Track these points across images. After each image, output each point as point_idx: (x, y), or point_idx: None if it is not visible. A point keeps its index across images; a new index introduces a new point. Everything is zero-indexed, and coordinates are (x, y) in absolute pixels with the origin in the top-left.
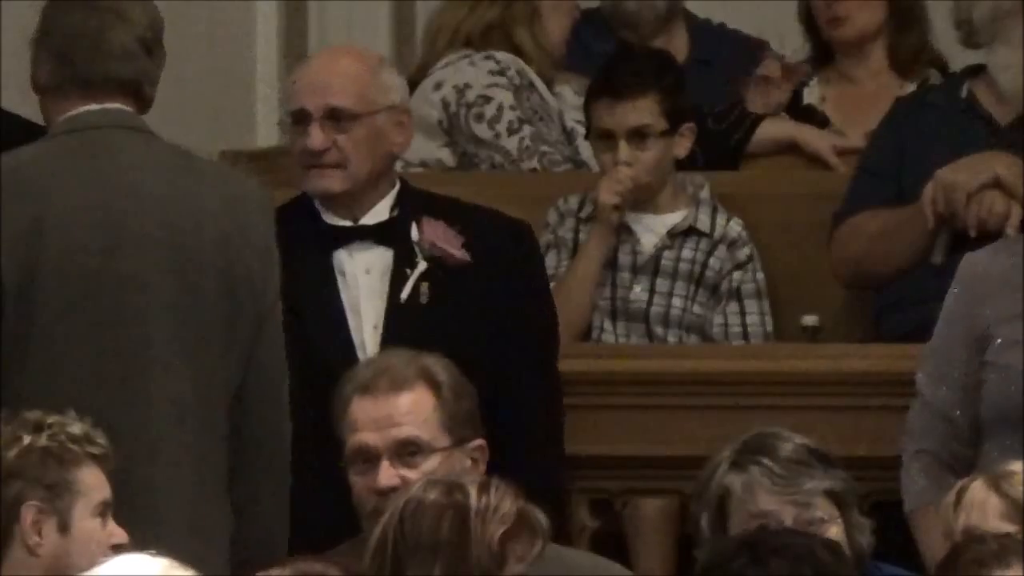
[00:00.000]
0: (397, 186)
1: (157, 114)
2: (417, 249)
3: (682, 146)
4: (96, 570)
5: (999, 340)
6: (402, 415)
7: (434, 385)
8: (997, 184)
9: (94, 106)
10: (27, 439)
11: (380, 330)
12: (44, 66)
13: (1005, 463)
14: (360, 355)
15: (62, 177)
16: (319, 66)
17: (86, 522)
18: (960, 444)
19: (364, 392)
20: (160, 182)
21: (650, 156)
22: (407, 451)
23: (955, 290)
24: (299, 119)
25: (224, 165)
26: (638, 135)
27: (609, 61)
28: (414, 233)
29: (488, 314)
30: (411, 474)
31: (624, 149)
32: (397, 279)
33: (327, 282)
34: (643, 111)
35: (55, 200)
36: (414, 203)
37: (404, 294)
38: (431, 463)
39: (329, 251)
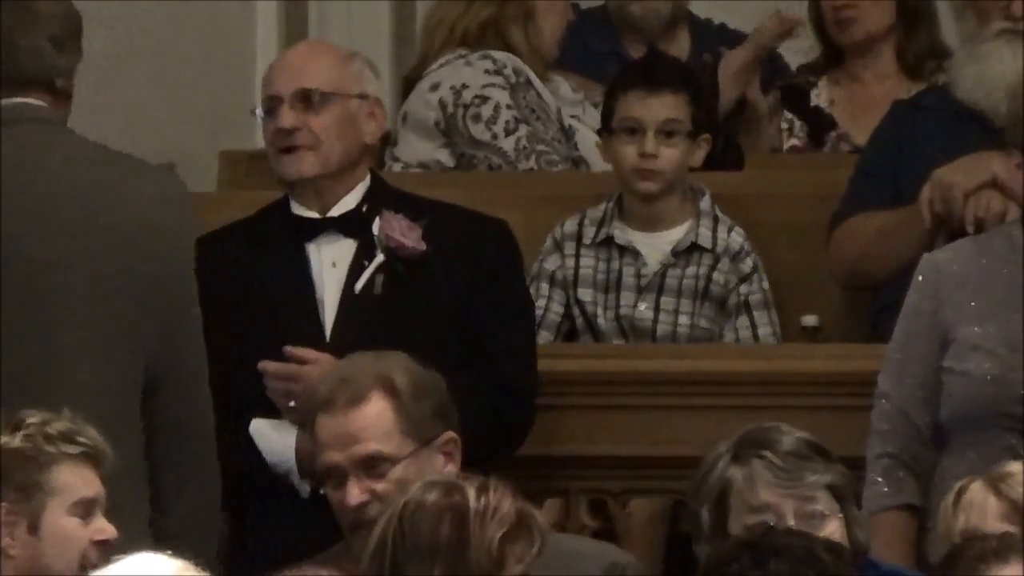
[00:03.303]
0: (367, 179)
1: (157, 114)
2: (376, 241)
3: (696, 156)
4: (109, 569)
5: (960, 344)
6: (362, 431)
7: (392, 392)
8: (994, 184)
9: (6, 101)
10: (3, 439)
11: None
12: None
13: (1003, 464)
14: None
15: None
16: (290, 55)
17: (61, 522)
18: (922, 446)
19: (325, 408)
20: (73, 174)
21: (674, 153)
22: (371, 465)
23: (917, 289)
24: (271, 106)
25: (142, 160)
26: (666, 131)
27: (643, 58)
28: (375, 226)
29: (448, 306)
30: (379, 486)
31: (652, 141)
32: (355, 271)
33: (297, 276)
34: (675, 107)
35: None
36: (383, 197)
37: (359, 285)
38: (398, 471)
39: (299, 245)
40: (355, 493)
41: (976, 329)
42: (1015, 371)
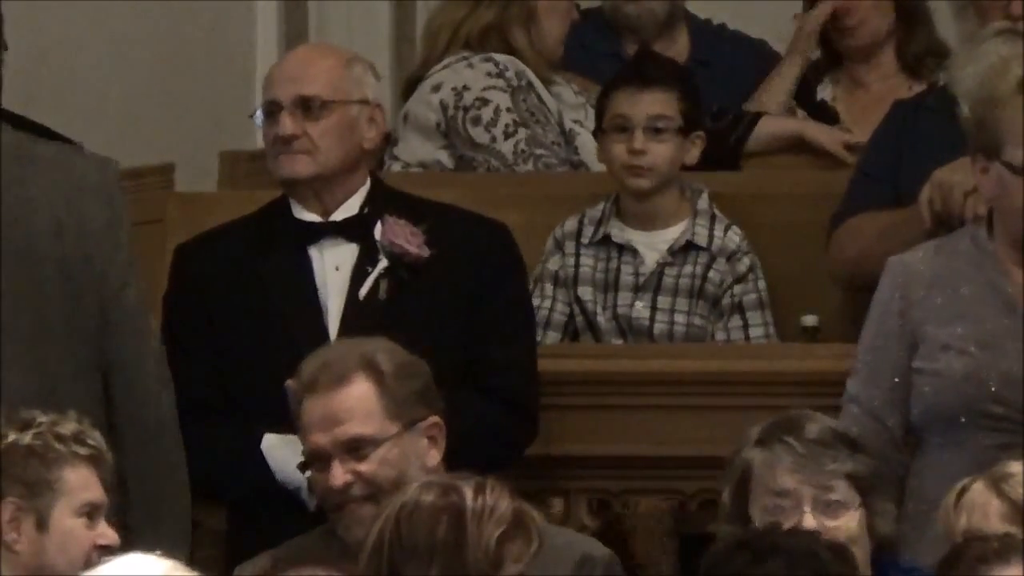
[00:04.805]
0: (368, 183)
1: (157, 114)
2: (379, 247)
3: (691, 153)
4: (100, 570)
5: (931, 343)
6: (345, 412)
7: (375, 374)
8: None
9: None
10: (12, 436)
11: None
12: None
13: (1004, 464)
14: None
15: None
16: (291, 59)
17: (67, 521)
18: (894, 449)
19: (309, 391)
20: None
21: (664, 149)
22: (355, 447)
23: (884, 291)
24: (271, 110)
25: (65, 150)
26: (655, 128)
27: (634, 57)
28: (377, 231)
29: (452, 311)
30: (363, 467)
31: (640, 137)
32: (358, 276)
33: (301, 280)
34: (664, 103)
35: None
36: (385, 201)
37: (363, 291)
38: (381, 452)
39: (302, 248)
40: (339, 474)
41: (946, 329)
42: (987, 369)
